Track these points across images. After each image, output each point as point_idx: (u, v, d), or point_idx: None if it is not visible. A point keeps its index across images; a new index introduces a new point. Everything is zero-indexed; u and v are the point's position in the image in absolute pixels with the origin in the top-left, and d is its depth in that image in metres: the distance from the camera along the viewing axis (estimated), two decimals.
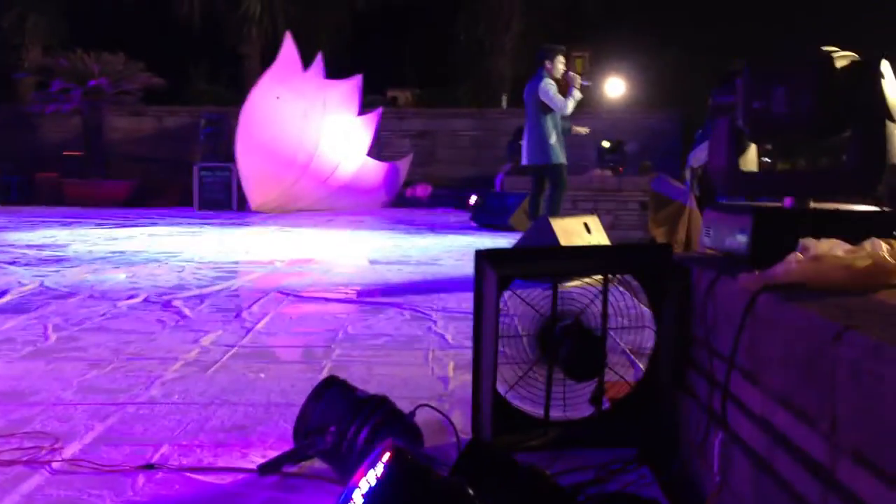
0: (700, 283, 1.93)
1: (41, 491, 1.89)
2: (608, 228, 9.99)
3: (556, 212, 7.60)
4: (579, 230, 5.05)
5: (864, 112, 1.75)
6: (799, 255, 1.61)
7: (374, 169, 13.53)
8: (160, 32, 18.74)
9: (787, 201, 1.95)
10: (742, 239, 1.91)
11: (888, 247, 1.61)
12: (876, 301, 1.45)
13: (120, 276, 5.25)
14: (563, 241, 4.67)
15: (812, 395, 1.33)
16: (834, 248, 1.62)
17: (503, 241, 7.06)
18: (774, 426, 1.50)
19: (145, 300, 4.37)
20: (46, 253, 6.56)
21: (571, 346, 2.15)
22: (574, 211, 8.98)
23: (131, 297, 4.45)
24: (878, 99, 1.73)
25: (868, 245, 1.60)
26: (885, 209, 1.87)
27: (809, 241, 1.65)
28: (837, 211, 1.86)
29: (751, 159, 2.12)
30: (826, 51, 1.80)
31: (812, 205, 1.91)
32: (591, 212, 8.59)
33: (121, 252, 6.67)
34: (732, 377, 1.68)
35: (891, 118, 1.74)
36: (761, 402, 1.57)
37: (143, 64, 14.76)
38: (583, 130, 8.65)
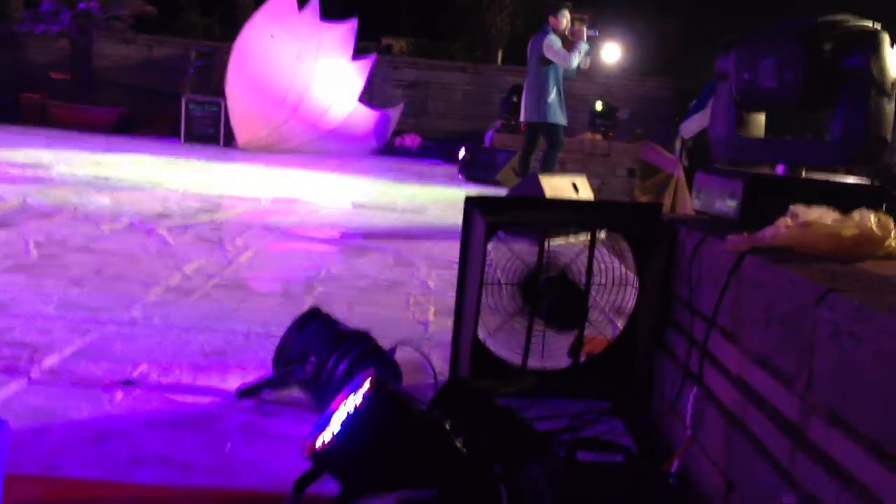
0: (687, 244, 1.95)
1: (19, 398, 1.90)
2: (595, 193, 10.04)
3: (550, 170, 7.59)
4: (567, 189, 5.06)
5: (852, 84, 1.76)
6: (788, 220, 1.63)
7: (365, 115, 13.40)
8: None
9: (780, 169, 1.97)
10: (732, 203, 1.93)
11: (876, 219, 1.63)
12: (860, 269, 1.48)
13: (104, 200, 5.21)
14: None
15: (791, 355, 1.36)
16: (823, 215, 1.64)
17: (491, 195, 7.05)
18: (750, 385, 1.54)
19: (129, 225, 4.35)
20: (30, 172, 6.48)
21: (555, 297, 2.17)
22: (562, 172, 8.98)
23: (115, 220, 4.43)
24: (867, 71, 1.73)
25: (857, 215, 1.62)
26: (875, 183, 1.90)
27: (799, 208, 1.67)
28: (829, 181, 1.88)
29: (758, 126, 2.12)
30: (813, 23, 1.79)
31: (804, 174, 1.93)
32: (581, 173, 8.60)
33: (105, 177, 6.61)
34: (712, 336, 1.71)
35: (882, 91, 1.75)
36: (739, 362, 1.60)
37: None
38: (588, 33, 7.98)
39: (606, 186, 10.47)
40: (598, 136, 11.30)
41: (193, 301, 2.89)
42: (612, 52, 22.70)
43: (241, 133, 11.86)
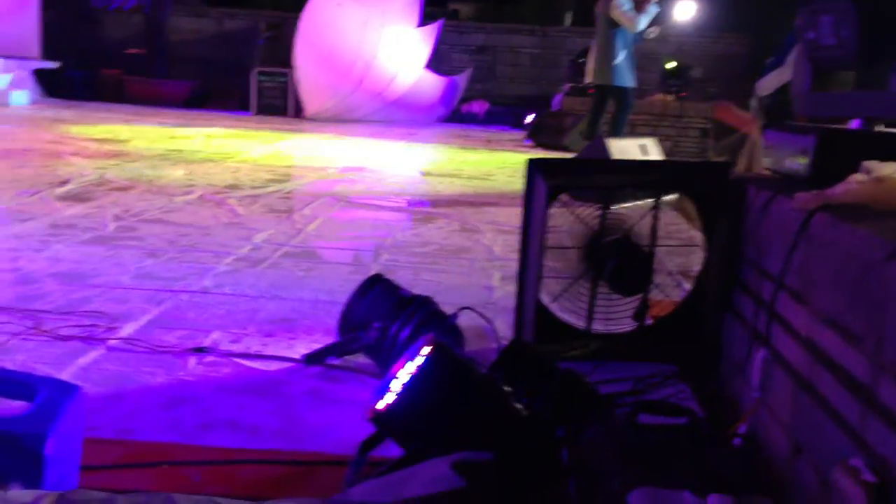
0: (755, 203, 1.89)
1: (97, 365, 1.97)
2: (668, 155, 9.83)
3: (619, 133, 7.46)
4: (635, 152, 4.97)
5: None
6: (861, 175, 1.57)
7: (432, 83, 13.38)
8: None
9: (854, 124, 1.90)
10: (803, 160, 1.86)
11: None
12: None
13: (177, 173, 5.34)
14: None
15: (860, 314, 1.32)
16: None
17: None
18: (819, 346, 1.49)
19: (201, 197, 4.45)
20: (107, 147, 6.68)
21: (619, 260, 2.14)
22: (632, 135, 8.82)
23: (188, 193, 4.54)
24: None
25: None
26: None
27: (873, 163, 1.61)
28: None
29: (842, 83, 2.05)
30: None
31: (880, 128, 1.85)
32: (651, 136, 8.43)
33: (179, 150, 6.77)
34: (780, 297, 1.67)
35: None
36: (807, 323, 1.55)
37: None
38: (652, 33, 8.04)
39: (679, 148, 10.26)
40: (670, 97, 11.04)
41: (262, 270, 2.95)
42: (685, 9, 22.07)
43: (309, 104, 11.99)
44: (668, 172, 2.24)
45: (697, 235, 2.22)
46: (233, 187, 4.89)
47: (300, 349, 2.13)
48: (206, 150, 6.93)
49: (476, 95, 14.67)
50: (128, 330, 2.22)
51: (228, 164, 6.05)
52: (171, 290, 2.61)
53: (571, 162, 2.26)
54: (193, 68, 14.63)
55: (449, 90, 13.67)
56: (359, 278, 2.37)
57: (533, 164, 2.17)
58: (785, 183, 1.93)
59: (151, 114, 10.91)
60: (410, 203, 4.86)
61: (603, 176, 2.25)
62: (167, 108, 12.38)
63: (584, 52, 9.64)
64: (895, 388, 1.20)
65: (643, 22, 7.31)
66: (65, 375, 1.88)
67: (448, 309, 2.13)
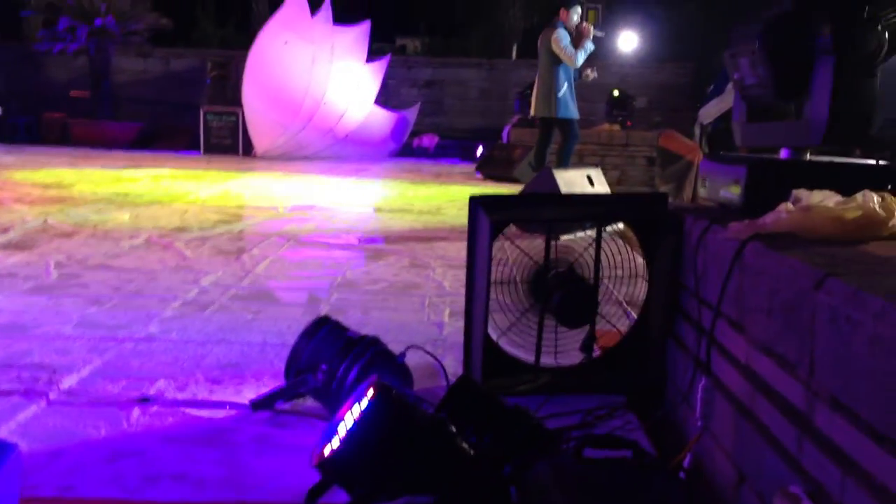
0: (692, 233, 1.93)
1: (38, 420, 1.92)
2: (614, 184, 9.97)
3: (565, 163, 7.55)
4: (582, 182, 5.04)
5: (820, 66, 1.76)
6: (790, 204, 1.62)
7: (381, 118, 13.44)
8: None
9: (784, 153, 1.95)
10: (736, 190, 1.91)
11: (880, 199, 1.61)
12: (862, 252, 1.46)
13: (123, 217, 5.27)
14: (566, 192, 4.66)
15: (793, 341, 1.35)
16: (826, 199, 1.62)
17: (507, 191, 7.04)
18: (757, 373, 1.52)
19: (147, 240, 4.39)
20: (51, 192, 6.57)
21: (564, 293, 2.16)
22: (580, 165, 8.93)
23: (134, 237, 4.48)
24: (834, 50, 1.73)
25: (859, 197, 1.60)
26: (882, 162, 1.87)
27: (802, 192, 1.66)
28: (831, 163, 1.86)
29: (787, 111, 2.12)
30: (777, 15, 1.82)
31: (808, 157, 1.91)
32: (597, 166, 8.55)
33: (125, 193, 6.69)
34: (719, 325, 1.70)
35: (855, 67, 1.74)
36: (746, 350, 1.58)
37: (150, 3, 14.60)
38: (590, 75, 8.23)
39: (626, 176, 10.41)
40: (616, 126, 11.22)
41: (210, 314, 2.92)
42: (628, 41, 22.53)
43: (259, 142, 11.95)
44: (607, 204, 2.28)
45: (640, 265, 2.25)
46: (180, 230, 4.84)
47: (248, 394, 2.11)
48: (153, 193, 6.86)
49: (426, 129, 14.76)
50: (70, 382, 2.17)
51: (176, 205, 5.99)
52: (116, 339, 2.56)
53: (513, 197, 2.29)
54: (140, 109, 14.50)
55: (399, 125, 13.74)
56: (308, 319, 2.36)
57: (475, 200, 2.19)
58: (721, 212, 1.97)
59: (97, 156, 10.77)
60: (361, 240, 4.86)
61: (544, 210, 2.28)
62: (114, 151, 12.24)
63: (532, 85, 9.78)
64: (830, 414, 1.22)
65: (581, 58, 7.44)
66: (4, 432, 1.84)
67: (399, 347, 2.13)
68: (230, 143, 12.78)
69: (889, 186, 1.74)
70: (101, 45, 13.92)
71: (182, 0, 18.04)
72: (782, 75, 1.78)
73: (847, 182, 1.70)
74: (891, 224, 1.56)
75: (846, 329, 1.15)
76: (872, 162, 1.86)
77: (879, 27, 1.72)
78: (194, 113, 13.16)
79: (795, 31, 1.77)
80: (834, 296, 1.20)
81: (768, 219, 1.60)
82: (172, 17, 14.91)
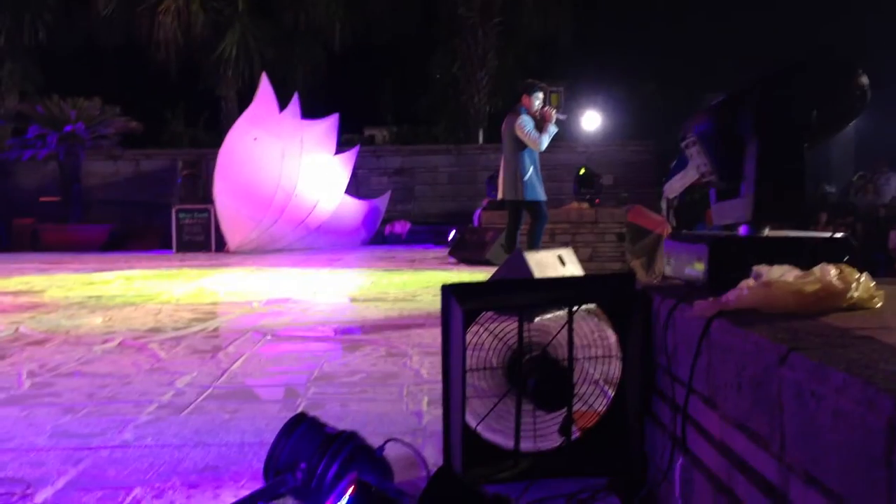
0: (661, 312, 1.97)
1: None
2: (587, 261, 10.07)
3: (537, 244, 7.64)
4: (553, 263, 5.08)
5: (753, 147, 1.88)
6: (751, 281, 1.66)
7: (353, 207, 13.58)
8: (137, 77, 18.81)
9: (743, 229, 2.01)
10: (700, 267, 1.96)
11: (837, 271, 1.66)
12: (823, 324, 1.50)
13: (96, 321, 5.23)
14: (538, 274, 4.69)
15: (763, 416, 1.37)
16: (785, 273, 1.67)
17: (481, 275, 7.09)
18: (733, 450, 1.54)
19: (121, 344, 4.36)
20: (23, 299, 6.52)
21: (539, 377, 2.18)
22: (552, 244, 9.04)
23: (107, 341, 4.44)
24: (761, 131, 1.85)
25: (817, 270, 1.65)
26: (838, 235, 1.93)
27: (762, 268, 1.70)
28: (788, 238, 1.92)
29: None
30: (705, 108, 1.96)
31: (766, 232, 1.97)
32: (568, 244, 8.65)
33: (97, 296, 6.65)
34: (692, 402, 1.72)
35: (787, 145, 1.84)
36: (720, 427, 1.60)
37: (120, 108, 14.80)
38: (557, 116, 8.04)
39: (598, 253, 10.54)
40: (585, 205, 11.41)
41: (186, 416, 2.89)
42: (591, 120, 23.12)
43: (232, 237, 12.00)
44: (576, 287, 2.32)
45: (614, 344, 2.28)
46: (154, 330, 4.81)
47: (227, 498, 2.08)
48: (125, 294, 6.83)
49: (398, 216, 14.92)
50: (45, 495, 2.13)
51: (149, 306, 5.97)
52: (90, 448, 2.52)
53: (484, 285, 2.32)
54: (111, 211, 14.55)
55: (370, 213, 13.88)
56: (287, 415, 2.35)
57: (447, 289, 2.22)
58: (687, 289, 2.01)
59: (69, 261, 10.73)
60: (337, 331, 4.85)
61: (515, 296, 2.31)
62: (85, 254, 12.22)
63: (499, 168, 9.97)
64: (804, 489, 1.24)
65: (545, 141, 7.61)
66: None
67: (378, 439, 2.12)
68: (203, 239, 12.82)
69: (845, 258, 1.80)
70: (70, 151, 14.04)
71: (151, 102, 18.34)
72: (719, 161, 1.89)
73: (805, 256, 1.76)
74: (849, 295, 1.61)
75: (811, 403, 1.18)
76: (828, 235, 1.92)
77: (806, 108, 1.82)
78: (166, 212, 13.23)
79: (725, 119, 1.89)
80: (797, 370, 1.24)
81: (731, 296, 1.64)
82: (142, 120, 15.12)
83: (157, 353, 4.07)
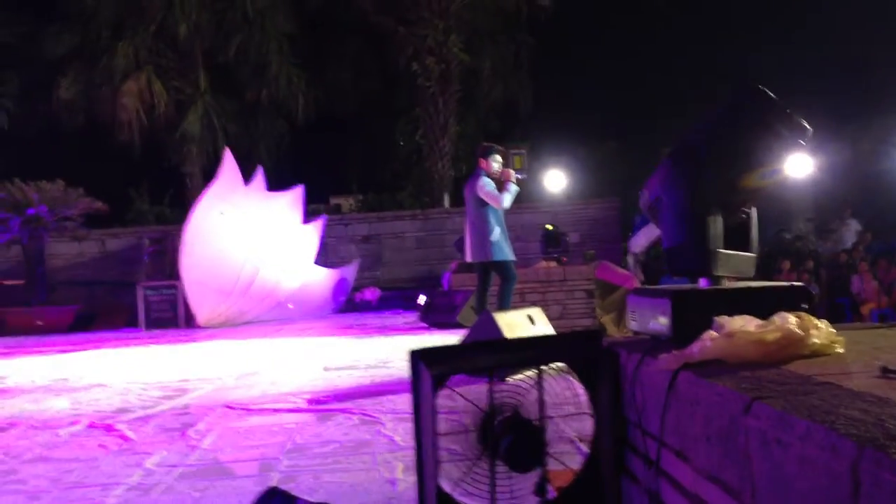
0: (628, 367, 1.98)
1: None
2: (557, 319, 10.10)
3: (507, 305, 7.64)
4: (523, 323, 5.11)
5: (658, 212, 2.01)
6: (713, 332, 1.68)
7: (322, 277, 13.56)
8: (100, 157, 18.79)
9: (703, 282, 2.04)
10: (664, 321, 1.98)
11: (797, 319, 1.69)
12: (785, 372, 1.52)
13: (62, 403, 5.13)
14: (508, 335, 4.71)
15: (733, 466, 1.38)
16: (746, 323, 1.69)
17: (452, 338, 7.07)
18: (706, 502, 1.54)
19: (88, 426, 4.27)
20: None
21: (511, 438, 2.17)
22: (522, 304, 9.05)
23: (73, 423, 4.35)
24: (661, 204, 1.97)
25: (777, 319, 1.68)
26: (796, 283, 1.97)
27: (723, 319, 1.73)
28: (748, 288, 1.95)
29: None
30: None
31: (726, 284, 2.00)
32: (538, 303, 8.67)
33: (63, 378, 6.52)
34: (664, 455, 1.72)
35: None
36: (693, 479, 1.60)
37: (83, 189, 14.75)
38: (515, 176, 8.08)
39: (568, 311, 10.57)
40: (553, 263, 11.48)
41: (155, 497, 2.82)
42: (556, 180, 23.40)
43: (200, 312, 11.89)
44: (544, 346, 2.32)
45: (585, 402, 2.28)
46: (122, 411, 4.72)
47: None
48: (93, 375, 6.70)
49: (367, 283, 14.90)
50: None
51: (117, 386, 5.86)
52: None
53: (452, 348, 2.32)
54: (77, 292, 14.38)
55: (340, 282, 13.85)
56: (259, 490, 2.31)
57: (415, 354, 2.21)
58: (653, 344, 2.03)
59: (33, 344, 10.54)
60: (309, 402, 4.79)
61: (484, 357, 2.31)
62: (50, 336, 12.01)
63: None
64: None
65: (508, 201, 7.69)
66: None
67: None
68: (171, 315, 12.69)
69: (804, 305, 1.83)
70: (34, 234, 13.93)
71: (116, 182, 18.30)
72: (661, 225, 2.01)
73: (765, 305, 1.78)
74: (809, 342, 1.63)
75: (777, 451, 1.19)
76: (787, 284, 1.95)
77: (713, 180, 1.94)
78: (133, 290, 13.11)
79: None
80: (762, 419, 1.25)
81: (695, 348, 1.66)
82: (107, 199, 15.06)
83: (125, 434, 3.98)
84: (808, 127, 1.91)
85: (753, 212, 2.11)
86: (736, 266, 2.04)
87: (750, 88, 1.94)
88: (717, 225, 1.97)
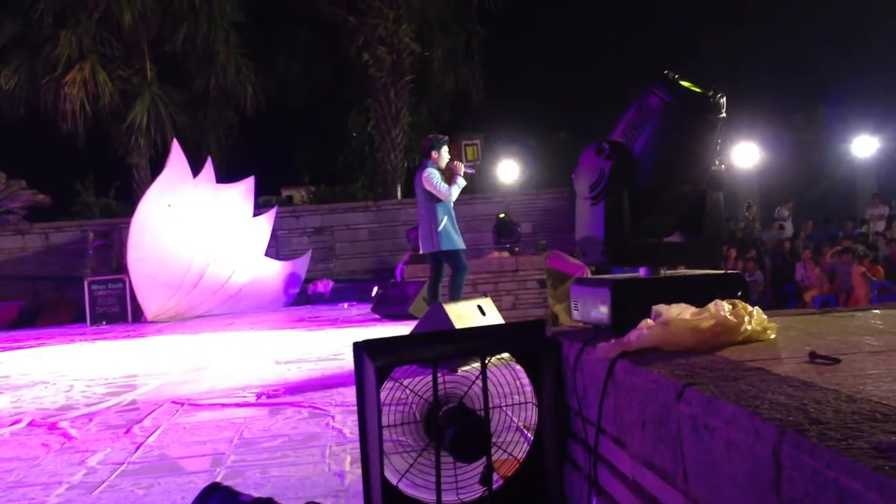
0: (570, 356, 2.00)
1: None
2: (509, 309, 10.16)
3: (458, 295, 7.66)
4: (473, 313, 5.13)
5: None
6: (650, 321, 1.71)
7: (274, 270, 13.44)
8: (43, 149, 18.37)
9: (643, 271, 2.07)
10: (604, 310, 2.01)
11: (731, 306, 1.73)
12: (719, 358, 1.55)
13: (3, 402, 5.01)
14: (458, 325, 4.72)
15: (667, 452, 1.40)
16: (682, 311, 1.72)
17: (405, 329, 7.07)
18: (643, 487, 1.56)
19: (30, 424, 4.18)
20: None
21: (456, 429, 2.18)
22: (474, 294, 9.08)
23: (14, 422, 4.25)
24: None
25: (712, 307, 1.71)
26: (730, 272, 2.01)
27: (661, 307, 1.76)
28: (685, 276, 1.98)
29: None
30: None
31: (664, 272, 2.03)
32: (490, 293, 8.71)
33: (6, 376, 6.38)
34: (603, 443, 1.75)
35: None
36: (630, 465, 1.63)
37: (26, 182, 14.41)
38: (465, 170, 8.31)
39: (520, 301, 10.64)
40: (505, 253, 11.54)
41: (98, 496, 2.78)
42: (508, 171, 23.51)
43: (149, 307, 11.71)
44: (488, 337, 2.34)
45: (529, 391, 2.30)
46: (66, 408, 4.63)
47: None
48: (36, 372, 6.57)
49: (320, 275, 14.81)
50: None
51: (61, 383, 5.75)
52: None
53: (397, 339, 2.32)
54: (20, 287, 14.06)
55: (292, 275, 13.75)
56: (204, 486, 2.28)
57: (358, 346, 2.21)
58: (594, 333, 2.06)
59: None
60: (259, 395, 4.75)
61: (429, 349, 2.31)
62: None
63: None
64: None
65: (455, 193, 7.71)
66: None
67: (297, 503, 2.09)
68: (118, 310, 12.47)
69: (739, 293, 1.87)
70: None
71: (60, 174, 17.91)
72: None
73: (701, 293, 1.82)
74: (742, 329, 1.67)
75: (706, 436, 1.21)
76: (722, 272, 1.99)
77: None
78: (78, 284, 12.85)
79: None
80: (693, 405, 1.27)
81: (633, 336, 1.68)
82: (51, 192, 14.74)
83: (68, 432, 3.91)
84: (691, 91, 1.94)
85: (714, 196, 2.09)
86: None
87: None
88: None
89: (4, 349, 8.99)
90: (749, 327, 1.67)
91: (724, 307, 1.69)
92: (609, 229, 2.01)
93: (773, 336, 1.73)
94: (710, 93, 1.94)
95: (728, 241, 13.85)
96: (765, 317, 1.74)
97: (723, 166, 2.04)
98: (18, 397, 5.18)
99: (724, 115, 1.96)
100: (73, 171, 19.57)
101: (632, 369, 1.57)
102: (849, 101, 19.19)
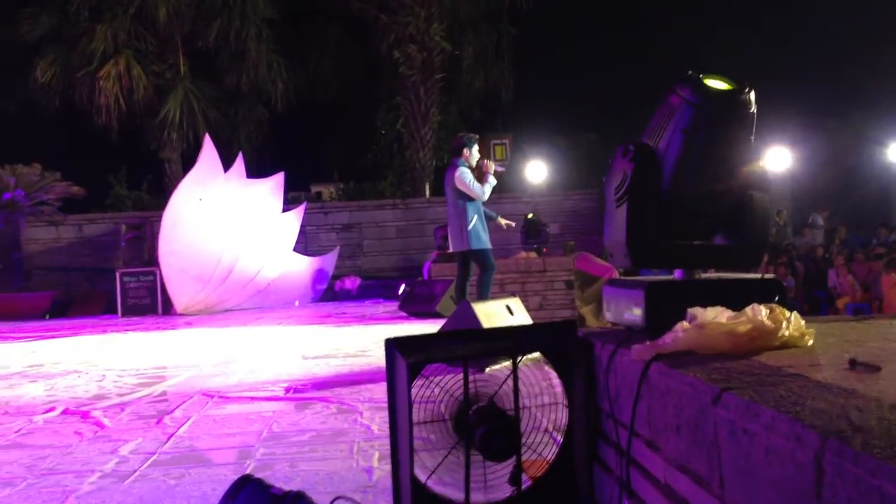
0: (602, 357, 2.00)
1: None
2: (536, 309, 10.13)
3: (486, 294, 7.66)
4: (502, 313, 5.12)
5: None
6: (685, 323, 1.70)
7: (302, 265, 13.51)
8: (78, 141, 18.60)
9: (678, 273, 2.06)
10: (637, 311, 2.00)
11: (768, 311, 1.71)
12: (755, 363, 1.54)
13: (37, 390, 5.09)
14: (486, 325, 4.72)
15: (702, 456, 1.39)
16: (718, 315, 1.71)
17: (431, 328, 7.08)
18: (676, 491, 1.56)
19: (63, 413, 4.25)
20: None
21: (486, 428, 2.18)
22: (501, 294, 9.07)
23: (48, 410, 4.32)
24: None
25: (749, 311, 1.70)
26: (766, 276, 1.99)
27: (696, 310, 1.74)
28: (722, 280, 1.97)
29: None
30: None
31: (700, 275, 2.02)
32: (517, 293, 8.70)
33: (39, 364, 6.48)
34: (635, 445, 1.74)
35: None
36: (663, 469, 1.62)
37: (61, 173, 14.60)
38: (507, 223, 8.86)
39: (547, 301, 10.61)
40: (533, 254, 11.51)
41: (129, 485, 2.81)
42: (536, 171, 23.47)
43: (179, 299, 11.83)
44: (519, 336, 2.34)
45: (560, 392, 2.29)
46: (98, 398, 4.70)
47: None
48: (69, 361, 6.66)
49: (347, 272, 14.86)
50: None
51: (93, 373, 5.83)
52: None
53: (428, 337, 2.32)
54: (53, 278, 14.25)
55: (320, 270, 13.81)
56: (234, 478, 2.30)
57: (390, 343, 2.22)
58: (627, 334, 2.05)
59: (9, 330, 10.45)
60: (287, 390, 4.78)
61: (459, 347, 2.32)
62: (27, 322, 11.92)
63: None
64: None
65: (487, 191, 7.71)
66: None
67: (325, 499, 2.10)
68: (149, 302, 12.60)
69: (776, 298, 1.85)
70: (10, 218, 13.78)
71: (94, 167, 18.12)
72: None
73: (737, 297, 1.80)
74: (780, 334, 1.65)
75: (744, 441, 1.21)
76: (759, 276, 1.97)
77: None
78: (110, 276, 13.01)
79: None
80: (731, 409, 1.26)
81: (668, 338, 1.67)
82: (84, 184, 14.92)
83: (101, 421, 3.96)
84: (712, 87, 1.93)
85: (757, 197, 2.04)
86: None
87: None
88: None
89: (38, 338, 9.13)
90: (786, 333, 1.66)
91: (761, 311, 1.67)
92: (631, 231, 2.00)
93: (810, 342, 1.71)
94: (738, 88, 1.92)
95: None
96: (802, 322, 1.72)
97: (765, 167, 2.02)
98: (52, 385, 5.26)
99: (753, 110, 1.94)
100: (107, 164, 19.80)
101: (667, 372, 1.56)
102: (884, 104, 18.93)
